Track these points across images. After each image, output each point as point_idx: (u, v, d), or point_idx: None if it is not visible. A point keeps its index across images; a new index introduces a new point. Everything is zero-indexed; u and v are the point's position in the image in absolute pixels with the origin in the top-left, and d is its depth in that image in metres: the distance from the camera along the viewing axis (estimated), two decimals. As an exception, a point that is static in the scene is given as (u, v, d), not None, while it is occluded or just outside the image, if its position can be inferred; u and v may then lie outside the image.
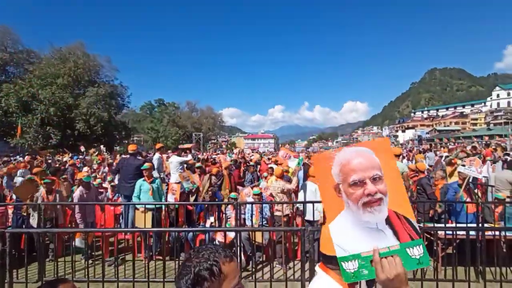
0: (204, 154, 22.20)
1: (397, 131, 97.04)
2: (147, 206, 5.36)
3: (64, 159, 13.97)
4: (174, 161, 6.77)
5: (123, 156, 8.64)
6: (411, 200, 5.29)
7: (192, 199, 6.54)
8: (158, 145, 7.44)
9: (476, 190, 6.11)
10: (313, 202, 4.96)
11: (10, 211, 5.75)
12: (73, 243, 4.66)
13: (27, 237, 4.79)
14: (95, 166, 11.40)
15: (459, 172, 5.40)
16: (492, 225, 4.90)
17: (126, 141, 36.90)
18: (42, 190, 5.28)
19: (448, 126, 75.93)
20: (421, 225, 4.73)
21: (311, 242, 4.14)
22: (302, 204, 5.28)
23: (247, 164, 10.19)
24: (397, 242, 0.96)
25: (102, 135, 33.82)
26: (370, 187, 0.96)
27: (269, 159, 12.16)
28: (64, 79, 31.16)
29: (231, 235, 4.67)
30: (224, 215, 5.61)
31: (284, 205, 5.22)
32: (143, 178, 5.57)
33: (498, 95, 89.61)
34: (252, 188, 6.59)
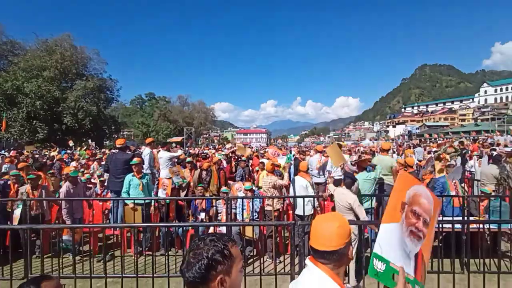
0: (195, 148, 22.05)
1: (388, 126, 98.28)
2: (136, 201, 5.30)
3: (52, 154, 13.67)
4: (163, 156, 6.69)
5: (112, 150, 8.49)
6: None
7: (183, 194, 6.49)
8: (148, 140, 7.30)
9: (462, 184, 6.24)
10: (303, 197, 4.97)
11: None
12: (61, 240, 4.58)
13: (12, 233, 4.67)
14: (83, 161, 11.19)
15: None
16: (477, 218, 5.03)
17: (116, 136, 36.30)
18: (27, 186, 5.15)
19: (437, 121, 77.29)
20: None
21: (301, 236, 4.17)
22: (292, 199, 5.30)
23: (238, 159, 10.15)
24: (413, 275, 1.24)
25: (91, 129, 33.20)
26: (420, 225, 1.30)
27: (262, 155, 12.09)
28: (50, 72, 30.32)
29: (222, 229, 4.66)
30: (215, 209, 5.60)
31: (275, 200, 5.23)
32: (132, 173, 5.47)
33: (485, 91, 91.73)
34: (243, 183, 6.57)
